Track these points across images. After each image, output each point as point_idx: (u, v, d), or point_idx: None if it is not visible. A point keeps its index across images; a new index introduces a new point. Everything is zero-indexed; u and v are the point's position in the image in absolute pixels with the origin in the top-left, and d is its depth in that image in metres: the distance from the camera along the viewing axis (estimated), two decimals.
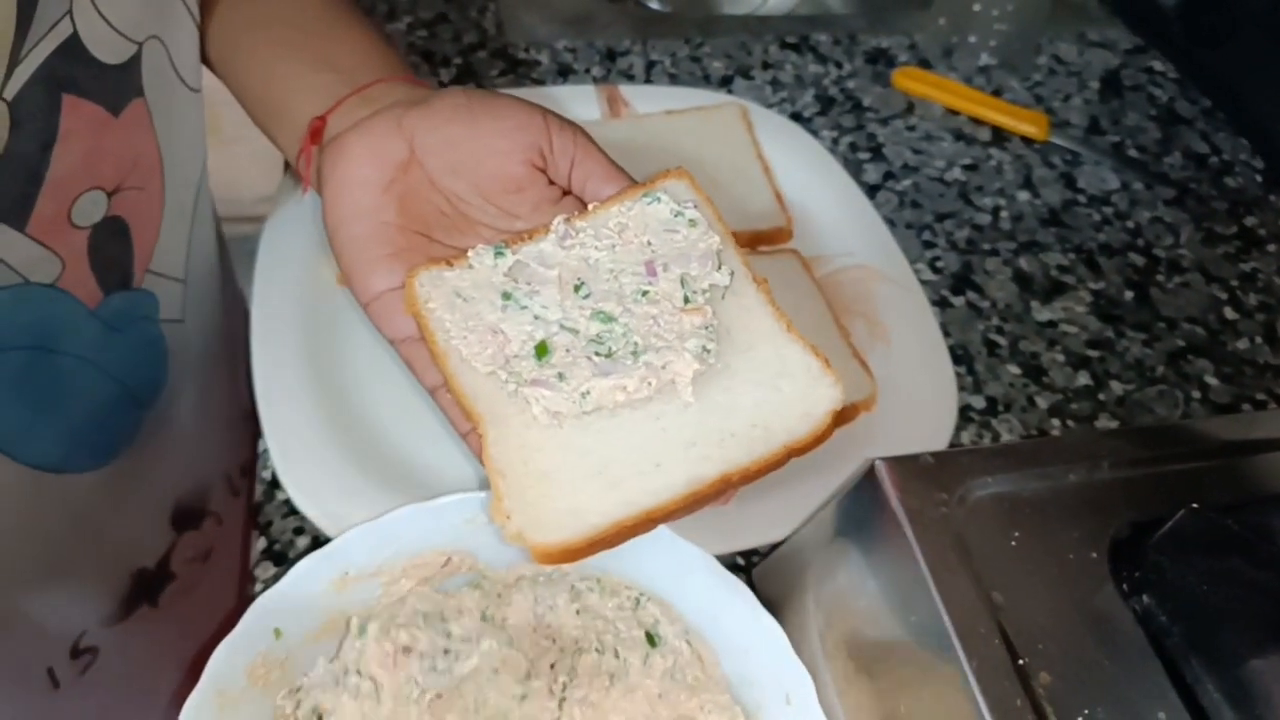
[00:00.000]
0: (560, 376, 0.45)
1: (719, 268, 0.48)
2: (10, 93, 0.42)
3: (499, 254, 0.48)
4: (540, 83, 0.84)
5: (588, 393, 0.44)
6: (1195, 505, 0.42)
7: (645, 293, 0.47)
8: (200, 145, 0.59)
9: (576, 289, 0.47)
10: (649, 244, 0.49)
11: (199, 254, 0.62)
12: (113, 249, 0.53)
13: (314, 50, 0.56)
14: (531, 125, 0.49)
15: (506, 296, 0.47)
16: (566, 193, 0.51)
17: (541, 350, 0.46)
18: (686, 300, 0.47)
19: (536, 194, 0.50)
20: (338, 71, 0.54)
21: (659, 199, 0.49)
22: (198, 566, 0.71)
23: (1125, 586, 0.41)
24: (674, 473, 0.43)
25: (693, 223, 0.49)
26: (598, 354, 0.46)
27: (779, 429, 0.44)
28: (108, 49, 0.47)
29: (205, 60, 0.58)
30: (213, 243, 0.67)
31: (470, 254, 0.48)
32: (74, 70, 0.45)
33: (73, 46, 0.44)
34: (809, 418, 0.44)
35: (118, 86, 0.49)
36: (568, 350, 0.46)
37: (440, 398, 0.48)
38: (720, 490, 0.43)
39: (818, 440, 0.44)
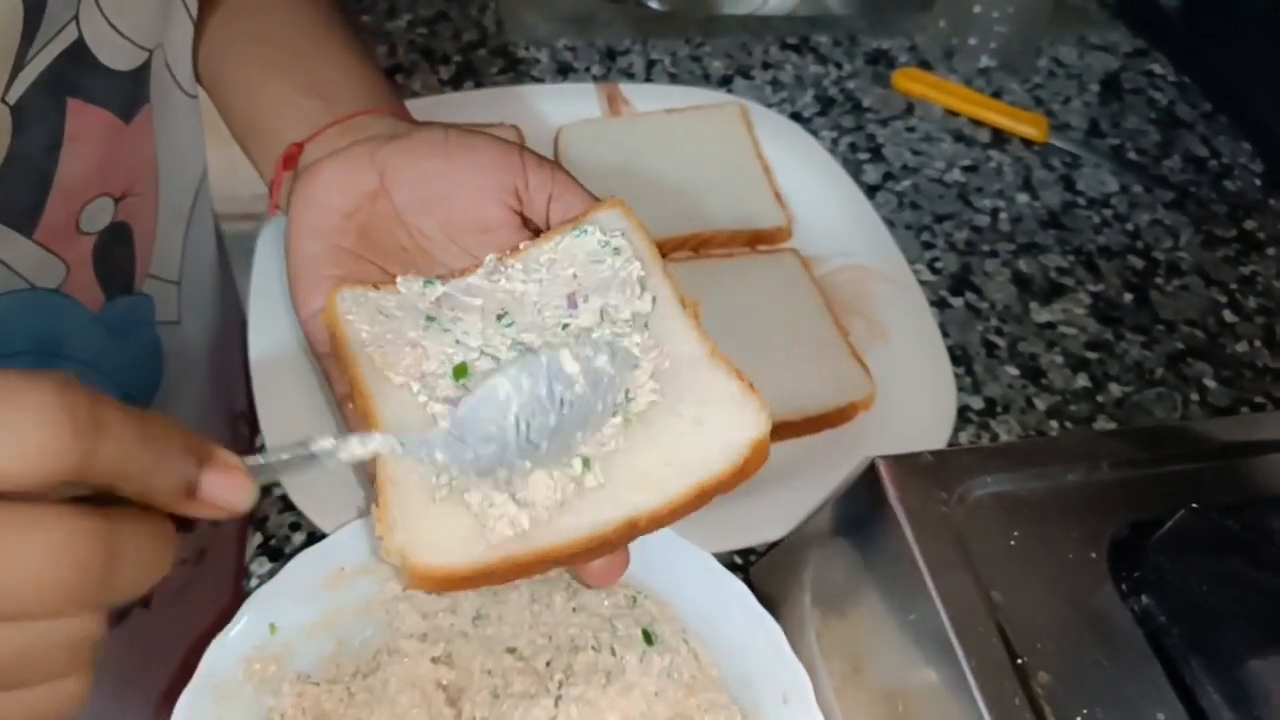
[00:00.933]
0: None
1: (640, 294, 0.46)
2: (13, 97, 0.42)
3: (428, 284, 0.47)
4: (540, 81, 0.84)
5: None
6: (1195, 505, 0.42)
7: (565, 326, 0.45)
8: (198, 150, 0.59)
9: (500, 318, 0.46)
10: (575, 277, 0.47)
11: (195, 257, 0.62)
12: (118, 254, 0.53)
13: (302, 76, 0.55)
14: (508, 163, 0.48)
15: (430, 319, 0.46)
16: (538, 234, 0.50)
17: (460, 371, 0.44)
18: (602, 320, 0.45)
19: (504, 237, 0.49)
20: (323, 99, 0.53)
21: (587, 231, 0.48)
22: (191, 567, 0.70)
23: (1124, 586, 0.41)
24: (580, 512, 0.40)
25: (616, 250, 0.47)
26: None
27: (696, 464, 0.41)
28: (117, 56, 0.47)
29: (194, 74, 0.58)
30: (211, 245, 0.66)
31: (399, 280, 0.47)
32: (80, 75, 0.45)
33: (78, 52, 0.44)
34: (730, 448, 0.41)
35: (130, 93, 0.49)
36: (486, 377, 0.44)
37: (344, 408, 0.47)
38: (627, 536, 0.41)
39: (741, 474, 0.41)
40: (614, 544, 0.41)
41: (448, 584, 0.38)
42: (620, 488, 0.41)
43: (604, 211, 0.49)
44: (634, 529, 0.40)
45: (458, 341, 0.45)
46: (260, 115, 0.55)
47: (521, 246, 0.48)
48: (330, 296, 0.46)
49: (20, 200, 0.45)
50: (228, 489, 0.33)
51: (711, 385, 0.43)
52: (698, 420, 0.42)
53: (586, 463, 0.41)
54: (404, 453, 0.40)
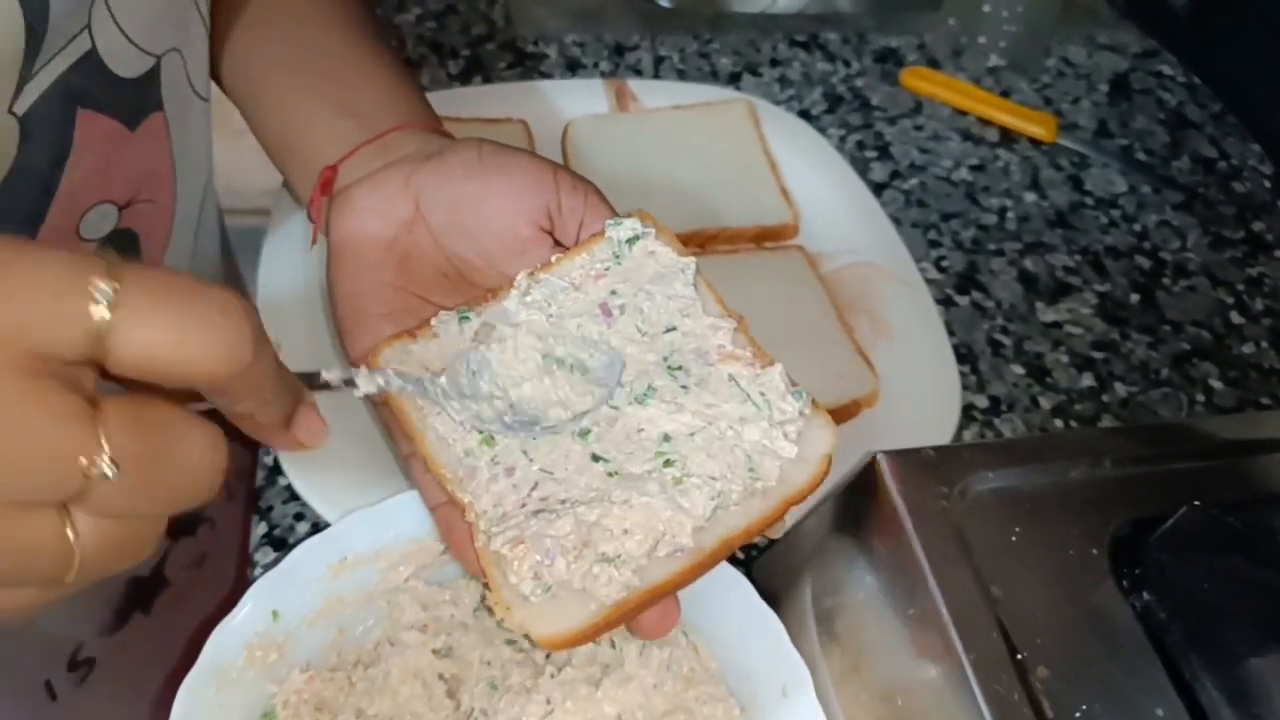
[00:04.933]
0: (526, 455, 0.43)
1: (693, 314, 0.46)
2: (21, 107, 0.42)
3: (464, 318, 0.47)
4: (548, 76, 0.84)
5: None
6: (1196, 503, 0.42)
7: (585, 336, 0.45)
8: (208, 153, 0.59)
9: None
10: (607, 270, 0.47)
11: (202, 260, 0.62)
12: None
13: (333, 92, 0.55)
14: (541, 185, 0.48)
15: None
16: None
17: (487, 440, 0.43)
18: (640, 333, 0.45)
19: (539, 257, 0.49)
20: (355, 117, 0.53)
21: (620, 223, 0.48)
22: (192, 572, 0.70)
23: (1125, 583, 0.41)
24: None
25: (652, 254, 0.47)
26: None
27: (777, 483, 0.42)
28: (126, 63, 0.47)
29: (219, 83, 0.58)
30: (216, 249, 0.66)
31: (434, 321, 0.47)
32: (90, 85, 0.45)
33: (90, 61, 0.44)
34: (808, 464, 0.43)
35: (135, 100, 0.48)
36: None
37: (414, 465, 0.46)
38: (723, 554, 0.42)
39: (815, 486, 0.43)
40: (711, 564, 0.42)
41: (576, 642, 0.40)
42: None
43: (631, 219, 0.49)
44: (728, 547, 0.42)
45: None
46: (294, 136, 0.55)
47: (554, 260, 0.48)
48: (373, 361, 0.45)
49: (21, 209, 0.45)
50: (313, 431, 0.38)
51: (783, 404, 0.44)
52: (771, 439, 0.43)
53: (676, 475, 0.42)
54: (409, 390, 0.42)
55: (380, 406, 0.48)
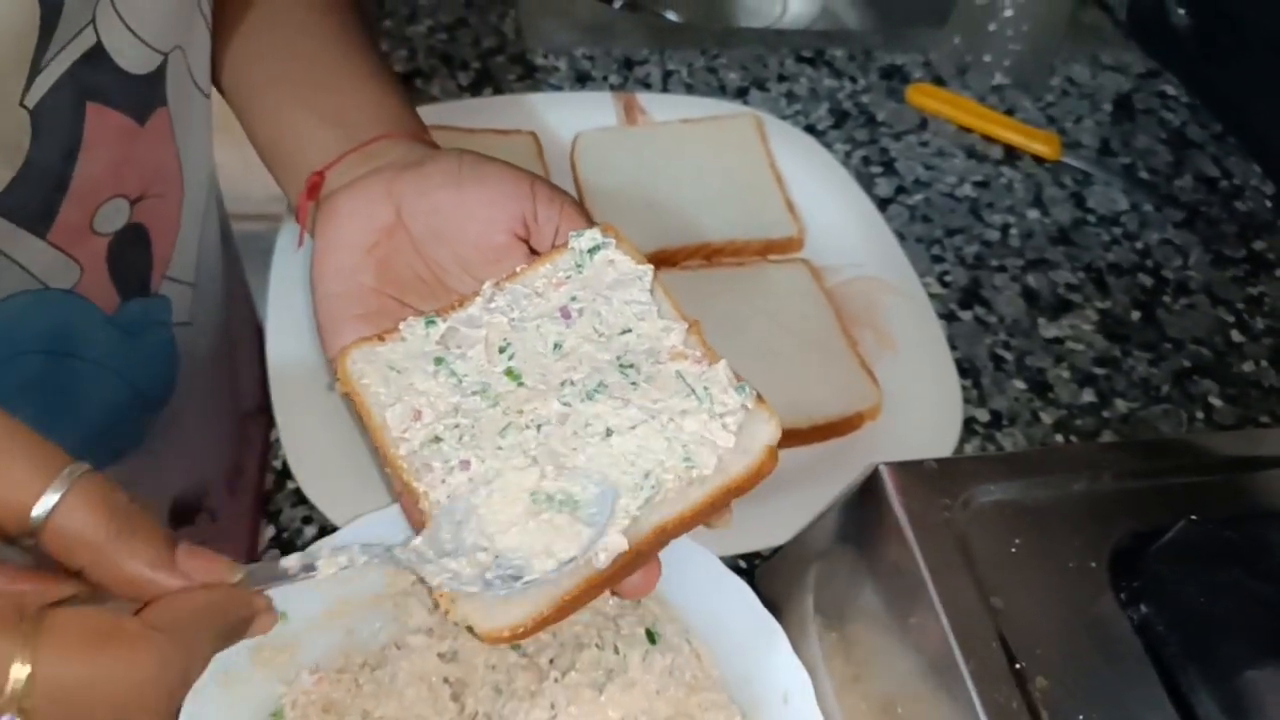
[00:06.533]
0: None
1: (649, 315, 0.47)
2: (32, 100, 0.43)
3: (430, 323, 0.48)
4: (558, 89, 0.85)
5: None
6: (1195, 517, 0.43)
7: (558, 346, 0.46)
8: (209, 148, 0.60)
9: (502, 350, 0.47)
10: (569, 278, 0.48)
11: (207, 256, 0.63)
12: (133, 256, 0.54)
13: (323, 102, 0.56)
14: (518, 194, 0.49)
15: (439, 361, 0.47)
16: None
17: (433, 441, 0.44)
18: (598, 334, 0.46)
19: (514, 264, 0.50)
20: (343, 125, 0.55)
21: (581, 234, 0.49)
22: None
23: (1124, 595, 0.42)
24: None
25: (611, 262, 0.48)
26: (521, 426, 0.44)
27: (714, 472, 0.43)
28: (134, 59, 0.48)
29: (219, 88, 0.59)
30: (218, 244, 0.67)
31: (402, 326, 0.48)
32: (98, 79, 0.46)
33: (97, 56, 0.45)
34: (746, 454, 0.43)
35: (144, 96, 0.50)
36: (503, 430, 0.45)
37: (378, 457, 0.47)
38: (659, 544, 0.42)
39: (756, 477, 0.43)
40: (647, 554, 0.42)
41: (518, 636, 0.40)
42: (645, 499, 0.42)
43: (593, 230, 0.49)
44: (664, 535, 0.42)
45: (460, 381, 0.46)
46: (284, 143, 0.56)
47: (519, 270, 0.49)
48: (340, 362, 0.47)
49: (35, 202, 0.46)
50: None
51: (725, 397, 0.44)
52: (710, 430, 0.43)
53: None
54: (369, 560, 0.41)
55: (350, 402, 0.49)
